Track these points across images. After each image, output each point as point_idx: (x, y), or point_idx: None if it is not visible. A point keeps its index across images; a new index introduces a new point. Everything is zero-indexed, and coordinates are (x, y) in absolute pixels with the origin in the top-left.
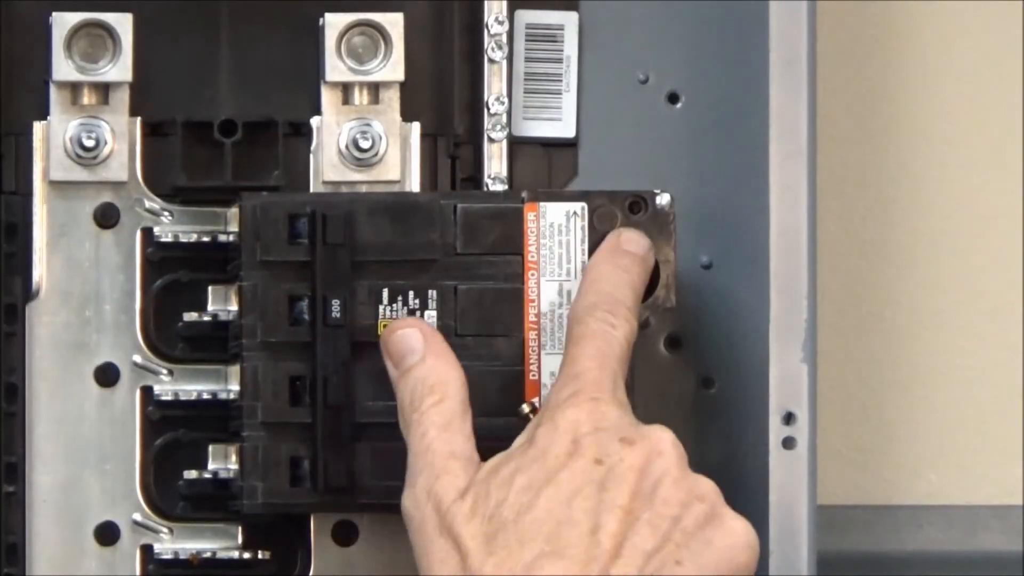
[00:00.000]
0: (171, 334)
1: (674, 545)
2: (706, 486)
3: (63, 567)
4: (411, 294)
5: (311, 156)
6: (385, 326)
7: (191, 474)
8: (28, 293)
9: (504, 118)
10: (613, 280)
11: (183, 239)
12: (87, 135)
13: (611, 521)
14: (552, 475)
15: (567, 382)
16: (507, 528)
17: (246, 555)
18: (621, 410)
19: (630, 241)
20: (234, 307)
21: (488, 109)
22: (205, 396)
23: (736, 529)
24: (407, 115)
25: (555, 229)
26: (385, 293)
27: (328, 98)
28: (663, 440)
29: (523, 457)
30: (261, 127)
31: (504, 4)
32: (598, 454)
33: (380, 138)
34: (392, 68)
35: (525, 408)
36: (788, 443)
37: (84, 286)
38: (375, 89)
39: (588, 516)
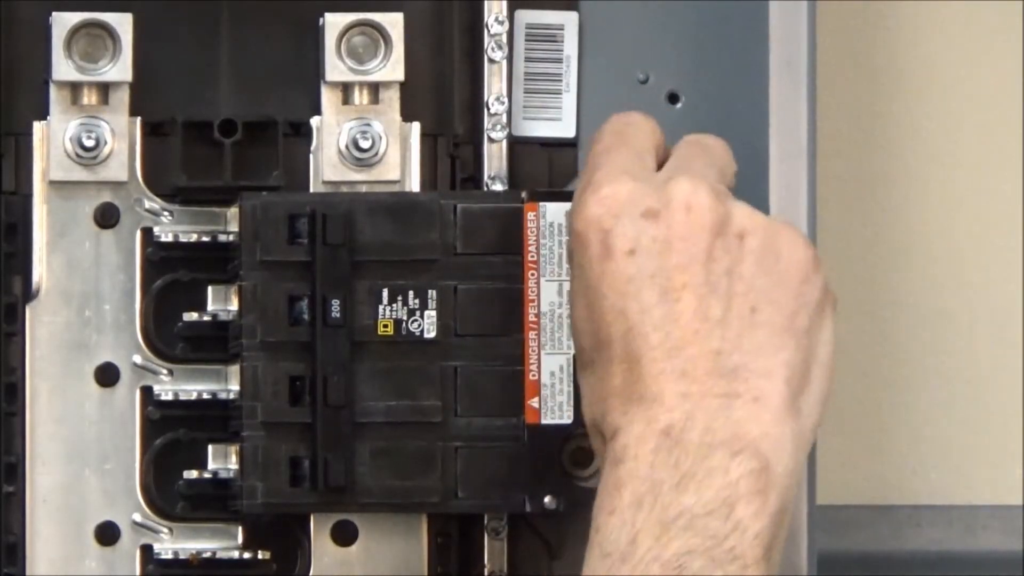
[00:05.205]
0: (171, 334)
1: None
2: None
3: (63, 567)
4: (411, 294)
5: (311, 156)
6: (385, 325)
7: (191, 474)
8: (28, 293)
9: (504, 118)
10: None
11: (183, 239)
12: (87, 135)
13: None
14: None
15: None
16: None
17: (246, 555)
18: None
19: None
20: (234, 307)
21: (488, 109)
22: (205, 396)
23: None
24: (407, 115)
25: (555, 229)
26: (385, 293)
27: (328, 98)
28: None
29: None
30: (261, 127)
31: (504, 4)
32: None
33: (380, 138)
34: (392, 68)
35: None
36: None
37: (84, 286)
38: (375, 89)
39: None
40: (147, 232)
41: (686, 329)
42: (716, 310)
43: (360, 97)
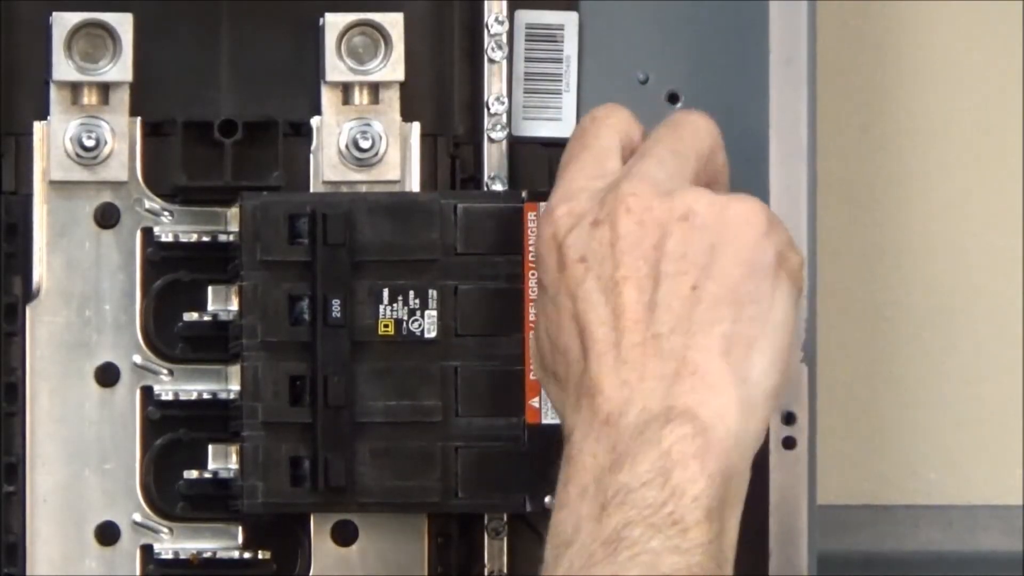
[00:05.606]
0: (171, 334)
1: None
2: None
3: (63, 567)
4: (411, 294)
5: (311, 156)
6: (385, 325)
7: (191, 474)
8: (28, 293)
9: (504, 118)
10: None
11: (183, 239)
12: (87, 135)
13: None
14: None
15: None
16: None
17: (246, 555)
18: None
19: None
20: (234, 307)
21: (488, 109)
22: (205, 396)
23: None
24: (407, 115)
25: None
26: (385, 293)
27: (328, 98)
28: None
29: None
30: (261, 127)
31: (504, 4)
32: None
33: (380, 138)
34: (392, 68)
35: None
36: (788, 443)
37: (84, 286)
38: (375, 89)
39: None
40: (147, 232)
41: (629, 320)
42: (656, 296)
43: (360, 97)
